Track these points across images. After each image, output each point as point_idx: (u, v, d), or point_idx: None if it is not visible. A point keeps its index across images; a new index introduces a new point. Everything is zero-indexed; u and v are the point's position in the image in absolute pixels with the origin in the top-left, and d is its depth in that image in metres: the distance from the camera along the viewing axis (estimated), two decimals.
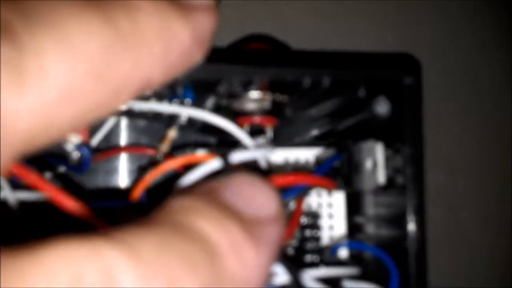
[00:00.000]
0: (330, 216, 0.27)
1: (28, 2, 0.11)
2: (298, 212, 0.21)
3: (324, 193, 0.26)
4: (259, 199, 0.13)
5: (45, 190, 0.15)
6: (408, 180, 0.21)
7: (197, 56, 0.14)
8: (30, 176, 0.15)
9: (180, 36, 0.13)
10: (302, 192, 0.20)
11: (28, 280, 0.09)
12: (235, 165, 0.20)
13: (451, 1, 0.32)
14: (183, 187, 0.17)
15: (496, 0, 0.33)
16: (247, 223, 0.12)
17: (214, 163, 0.18)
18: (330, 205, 0.27)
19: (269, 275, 0.13)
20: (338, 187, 0.23)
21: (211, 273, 0.11)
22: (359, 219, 0.26)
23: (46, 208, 0.17)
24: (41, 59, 0.10)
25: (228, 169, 0.18)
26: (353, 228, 0.26)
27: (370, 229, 0.26)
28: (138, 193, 0.19)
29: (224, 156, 0.18)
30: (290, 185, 0.19)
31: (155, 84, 0.13)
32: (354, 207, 0.26)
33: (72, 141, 0.21)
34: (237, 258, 0.11)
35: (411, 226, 0.21)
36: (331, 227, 0.26)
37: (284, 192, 0.19)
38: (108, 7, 0.12)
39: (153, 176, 0.18)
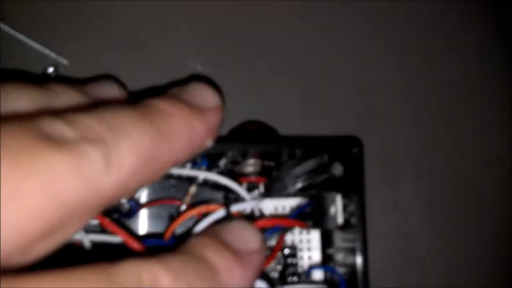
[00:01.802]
0: (309, 248, 0.35)
1: (109, 118, 0.16)
2: (279, 244, 0.30)
3: (304, 231, 0.35)
4: (246, 237, 0.20)
5: (117, 232, 0.24)
6: (356, 220, 0.30)
7: (209, 141, 0.21)
8: (106, 222, 0.25)
9: (198, 130, 0.19)
10: (280, 231, 0.29)
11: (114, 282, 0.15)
12: (236, 213, 0.29)
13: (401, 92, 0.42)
14: (199, 229, 0.25)
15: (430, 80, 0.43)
16: (237, 253, 0.18)
17: (220, 212, 0.27)
18: (308, 240, 0.36)
19: None
20: (309, 226, 0.32)
21: (212, 283, 0.17)
22: (330, 251, 0.35)
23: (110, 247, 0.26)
24: (120, 154, 0.16)
25: (230, 217, 0.27)
26: (327, 258, 0.35)
27: (339, 257, 0.34)
28: (169, 233, 0.28)
29: (227, 207, 0.27)
30: (271, 226, 0.28)
31: (183, 161, 0.20)
32: (327, 241, 0.35)
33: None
34: (229, 275, 0.17)
35: (358, 254, 0.30)
36: (310, 257, 0.35)
37: (267, 231, 0.28)
38: (153, 116, 0.18)
39: (179, 221, 0.27)
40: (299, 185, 0.37)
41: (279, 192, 0.36)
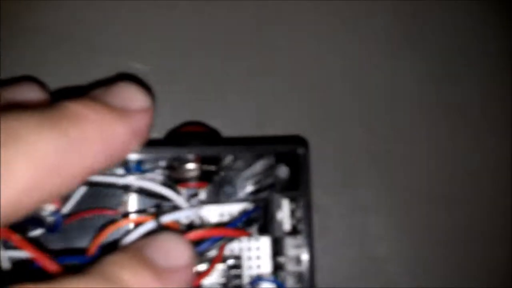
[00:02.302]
0: (258, 257, 0.33)
1: (7, 124, 0.15)
2: (219, 256, 0.27)
3: (253, 238, 0.33)
4: (173, 252, 0.18)
5: (26, 249, 0.21)
6: (304, 225, 0.28)
7: (135, 144, 0.18)
8: (14, 238, 0.22)
9: (119, 134, 0.17)
10: (221, 241, 0.27)
11: None
12: (173, 223, 0.26)
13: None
14: (124, 244, 0.23)
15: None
16: (159, 271, 0.17)
17: (150, 224, 0.24)
18: (258, 248, 0.33)
19: None
20: (254, 234, 0.30)
21: None
22: (281, 259, 0.33)
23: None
24: (13, 167, 0.14)
25: (162, 228, 0.25)
26: (277, 267, 0.33)
27: (290, 266, 0.32)
28: (93, 248, 0.25)
29: (158, 217, 0.25)
30: (206, 237, 0.26)
31: (102, 169, 0.17)
32: (277, 249, 0.33)
33: (47, 209, 0.27)
34: None
35: (305, 258, 0.28)
36: (259, 266, 0.33)
37: (206, 242, 0.26)
38: (62, 120, 0.16)
39: (104, 235, 0.25)
40: (248, 188, 0.35)
41: (227, 197, 0.34)
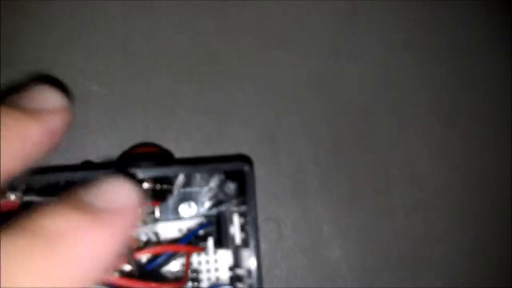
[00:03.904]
0: (217, 269, 0.35)
1: None
2: (186, 270, 0.29)
3: (211, 251, 0.34)
4: (114, 194, 0.16)
5: None
6: (250, 237, 0.30)
7: (49, 145, 0.18)
8: None
9: (33, 136, 0.17)
10: (172, 257, 0.28)
11: None
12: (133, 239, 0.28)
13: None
14: None
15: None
16: (97, 214, 0.15)
17: None
18: (216, 261, 0.35)
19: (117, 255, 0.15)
20: (205, 249, 0.31)
21: (47, 254, 0.13)
22: (239, 271, 0.34)
23: None
24: None
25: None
26: (236, 278, 0.34)
27: (245, 278, 0.34)
28: None
29: None
30: (160, 253, 0.27)
31: (17, 171, 0.17)
32: (235, 261, 0.34)
33: None
34: (77, 238, 0.14)
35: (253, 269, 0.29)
36: (218, 278, 0.34)
37: (158, 257, 0.28)
38: None
39: None
40: (205, 204, 0.36)
41: (184, 213, 0.36)
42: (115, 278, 0.26)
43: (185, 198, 0.35)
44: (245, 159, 0.30)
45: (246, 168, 0.30)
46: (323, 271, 0.40)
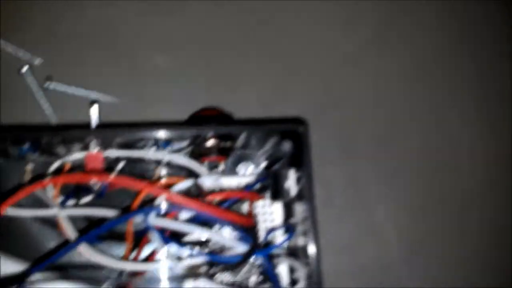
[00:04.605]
0: (272, 220, 0.38)
1: None
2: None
3: (267, 205, 0.38)
4: None
5: None
6: (305, 191, 0.33)
7: None
8: None
9: None
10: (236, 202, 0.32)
11: None
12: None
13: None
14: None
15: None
16: None
17: (189, 182, 0.30)
18: (271, 213, 0.39)
19: None
20: (263, 198, 0.35)
21: None
22: (291, 220, 0.38)
23: None
24: None
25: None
26: (288, 228, 0.38)
27: (299, 227, 0.37)
28: (136, 205, 0.31)
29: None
30: (228, 197, 0.31)
31: None
32: (288, 213, 0.38)
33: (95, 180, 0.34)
34: None
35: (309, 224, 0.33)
36: (272, 227, 0.38)
37: (225, 202, 0.32)
38: None
39: (143, 194, 0.31)
40: (261, 163, 0.40)
41: (242, 170, 0.40)
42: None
43: (244, 157, 0.39)
44: (301, 121, 0.34)
45: (301, 129, 0.34)
46: (367, 228, 0.43)
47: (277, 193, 0.37)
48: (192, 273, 0.31)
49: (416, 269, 0.43)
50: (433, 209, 0.44)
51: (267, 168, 0.38)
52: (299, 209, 0.36)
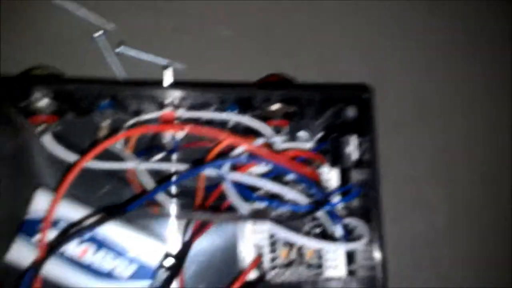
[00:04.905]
0: (329, 186, 0.40)
1: None
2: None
3: (325, 172, 0.39)
4: None
5: None
6: (369, 158, 0.35)
7: None
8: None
9: None
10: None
11: None
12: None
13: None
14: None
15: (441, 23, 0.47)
16: None
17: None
18: (328, 179, 0.40)
19: None
20: (326, 161, 0.37)
21: None
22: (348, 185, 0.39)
23: None
24: None
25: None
26: (345, 193, 0.39)
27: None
28: (211, 157, 0.33)
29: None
30: (297, 156, 0.33)
31: None
32: (344, 178, 0.39)
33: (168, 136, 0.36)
34: None
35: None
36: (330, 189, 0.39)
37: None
38: None
39: (219, 148, 0.33)
40: (322, 129, 0.42)
41: (303, 135, 0.41)
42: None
43: (305, 125, 0.41)
44: (366, 87, 0.35)
45: (366, 95, 0.35)
46: (418, 206, 0.45)
47: (336, 160, 0.38)
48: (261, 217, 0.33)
49: (460, 240, 0.45)
50: (479, 186, 0.45)
51: (328, 134, 0.40)
52: (357, 176, 0.38)
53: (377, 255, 0.34)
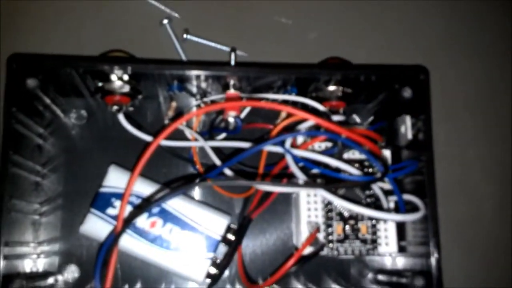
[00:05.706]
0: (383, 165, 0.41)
1: None
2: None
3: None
4: None
5: None
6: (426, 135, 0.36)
7: None
8: None
9: None
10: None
11: None
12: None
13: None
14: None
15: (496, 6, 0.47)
16: None
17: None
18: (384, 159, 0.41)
19: None
20: (383, 140, 0.38)
21: None
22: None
23: None
24: None
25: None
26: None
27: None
28: (275, 132, 0.36)
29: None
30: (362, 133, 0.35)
31: None
32: (396, 158, 0.41)
33: (231, 115, 0.38)
34: None
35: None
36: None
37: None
38: None
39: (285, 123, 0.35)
40: (370, 117, 0.43)
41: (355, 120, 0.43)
42: None
43: (357, 110, 0.43)
44: (422, 68, 0.36)
45: (422, 76, 0.36)
46: (463, 188, 0.45)
47: (390, 140, 0.40)
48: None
49: (504, 222, 0.45)
50: None
51: (379, 117, 0.41)
52: (408, 156, 0.39)
53: (431, 230, 0.35)
